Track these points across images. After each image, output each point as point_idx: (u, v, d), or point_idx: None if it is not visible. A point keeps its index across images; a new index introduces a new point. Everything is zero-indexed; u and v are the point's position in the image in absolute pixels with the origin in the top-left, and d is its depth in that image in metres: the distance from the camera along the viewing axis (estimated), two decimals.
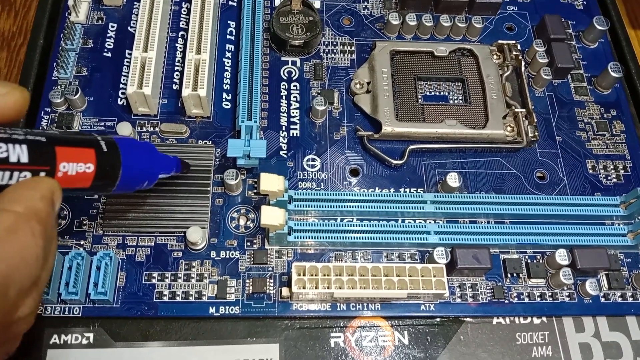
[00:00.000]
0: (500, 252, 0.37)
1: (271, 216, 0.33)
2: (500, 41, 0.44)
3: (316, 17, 0.43)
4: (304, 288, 0.33)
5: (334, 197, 0.37)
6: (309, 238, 0.35)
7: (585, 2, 0.49)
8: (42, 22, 0.42)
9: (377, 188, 0.39)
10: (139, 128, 0.39)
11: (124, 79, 0.41)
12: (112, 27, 0.43)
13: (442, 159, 0.41)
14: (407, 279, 0.33)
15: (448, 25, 0.45)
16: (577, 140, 0.42)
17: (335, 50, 0.44)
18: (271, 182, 0.34)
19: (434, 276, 0.34)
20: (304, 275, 0.33)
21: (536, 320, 0.36)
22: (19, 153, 0.22)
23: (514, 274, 0.37)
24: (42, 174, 0.23)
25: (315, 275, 0.33)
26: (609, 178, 0.41)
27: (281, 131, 0.40)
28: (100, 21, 0.43)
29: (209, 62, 0.39)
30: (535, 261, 0.37)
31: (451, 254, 0.35)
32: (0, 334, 0.22)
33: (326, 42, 0.44)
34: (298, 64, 0.43)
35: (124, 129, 0.37)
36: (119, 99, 0.40)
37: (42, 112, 0.39)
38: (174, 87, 0.41)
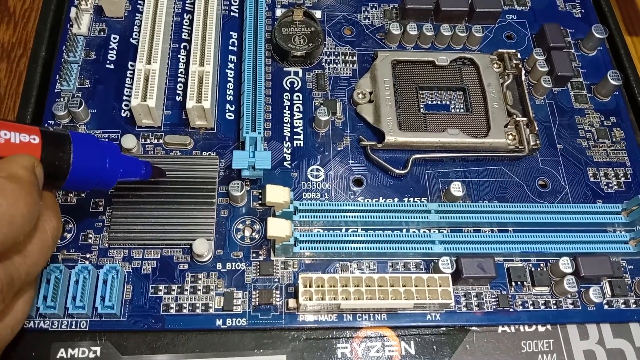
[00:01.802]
0: (504, 261, 0.38)
1: (278, 228, 0.33)
2: (500, 50, 0.45)
3: (318, 27, 0.44)
4: (310, 299, 0.33)
5: (339, 207, 0.37)
6: (315, 249, 0.35)
7: (583, 10, 0.50)
8: (44, 34, 0.42)
9: (381, 198, 0.39)
10: (143, 140, 0.39)
11: (127, 91, 0.41)
12: (115, 38, 0.43)
13: (445, 168, 0.41)
14: (413, 289, 0.33)
15: (448, 34, 0.45)
16: (577, 148, 0.43)
17: (337, 60, 0.44)
18: (277, 194, 0.34)
19: (440, 286, 0.34)
20: (310, 286, 0.33)
21: (541, 328, 0.36)
22: None
23: (519, 283, 0.37)
24: None
25: (322, 287, 0.33)
26: (610, 185, 0.42)
27: (285, 142, 0.41)
28: (102, 33, 0.43)
29: (212, 73, 0.39)
30: (539, 269, 0.38)
31: (456, 263, 0.36)
32: None
33: (328, 52, 0.45)
34: (300, 75, 0.44)
35: (129, 142, 0.38)
36: (123, 110, 0.40)
37: (45, 125, 0.39)
38: (178, 98, 0.41)
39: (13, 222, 0.23)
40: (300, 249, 0.35)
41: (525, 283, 0.37)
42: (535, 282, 0.37)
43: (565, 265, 0.36)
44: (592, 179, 0.42)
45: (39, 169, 0.25)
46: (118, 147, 0.32)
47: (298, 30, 0.43)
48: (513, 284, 0.37)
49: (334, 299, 0.33)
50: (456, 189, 0.38)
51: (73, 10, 0.42)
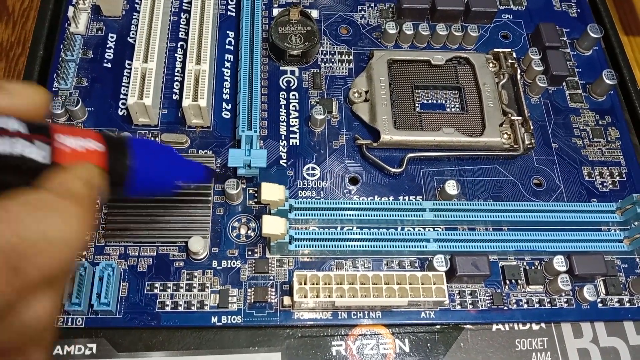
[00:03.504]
0: (498, 259, 0.38)
1: (272, 225, 0.33)
2: (496, 49, 0.45)
3: (314, 27, 0.44)
4: (305, 297, 0.33)
5: (334, 205, 0.37)
6: (310, 247, 0.36)
7: (579, 10, 0.50)
8: (42, 33, 0.43)
9: (376, 196, 0.39)
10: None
11: (124, 90, 0.41)
12: (112, 37, 0.44)
13: (440, 166, 0.41)
14: (407, 287, 0.34)
15: (444, 34, 0.45)
16: (572, 147, 0.43)
17: (333, 60, 0.45)
18: (272, 192, 0.34)
19: (434, 284, 0.34)
20: (305, 284, 0.33)
21: (535, 327, 0.37)
22: (18, 125, 0.21)
23: (513, 281, 0.37)
24: (47, 146, 0.22)
25: (317, 284, 0.34)
26: (605, 184, 0.42)
27: (281, 140, 0.41)
28: (99, 32, 0.44)
29: (208, 72, 0.40)
30: (533, 268, 0.38)
31: (450, 261, 0.36)
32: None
33: (324, 52, 0.45)
34: (297, 74, 0.44)
35: None
36: (119, 109, 0.41)
37: None
38: (174, 97, 0.42)
39: (69, 245, 0.20)
40: (296, 246, 0.35)
41: (519, 281, 0.37)
42: (529, 281, 0.37)
43: (559, 263, 0.37)
44: (587, 178, 0.42)
45: (100, 180, 0.23)
46: (175, 150, 0.31)
47: (294, 29, 0.43)
48: (507, 282, 0.37)
49: (329, 297, 0.33)
50: (451, 187, 0.38)
51: (71, 9, 0.43)
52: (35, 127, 0.22)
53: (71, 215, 0.21)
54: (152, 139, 0.40)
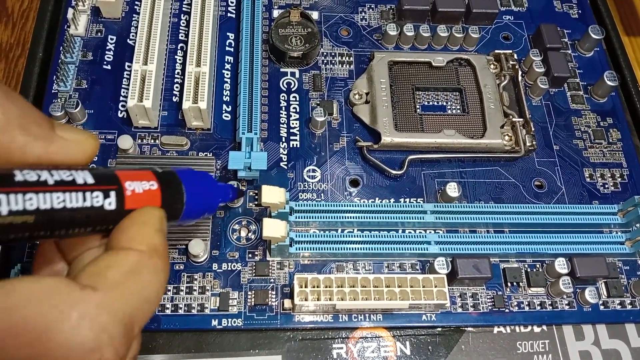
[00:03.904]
0: (500, 262, 0.38)
1: (273, 228, 0.33)
2: (497, 51, 0.45)
3: (314, 28, 0.44)
4: (306, 300, 0.33)
5: (335, 207, 0.37)
6: (311, 249, 0.36)
7: (580, 11, 0.50)
8: (41, 34, 0.43)
9: (377, 198, 0.39)
10: (139, 140, 0.39)
11: (123, 92, 0.41)
12: (112, 39, 0.43)
13: (441, 168, 0.41)
14: (408, 290, 0.34)
15: (445, 35, 0.45)
16: (574, 149, 0.43)
17: (333, 61, 0.44)
18: (272, 195, 0.34)
19: (435, 286, 0.34)
20: (306, 287, 0.33)
21: (536, 329, 0.36)
22: (84, 176, 0.21)
23: (514, 283, 0.37)
24: (113, 193, 0.22)
25: (317, 287, 0.33)
26: (606, 186, 0.42)
27: (281, 142, 0.41)
28: (99, 34, 0.44)
29: (208, 74, 0.39)
30: (534, 270, 0.38)
31: (452, 264, 0.36)
32: None
33: (325, 53, 0.45)
34: (297, 75, 0.44)
35: (125, 142, 0.38)
36: (119, 111, 0.41)
37: None
38: (174, 99, 0.41)
39: (159, 297, 0.22)
40: (296, 249, 0.35)
41: (520, 284, 0.37)
42: (531, 283, 0.37)
43: (560, 266, 0.36)
44: (588, 179, 0.42)
45: (165, 223, 0.24)
46: (211, 176, 0.31)
47: (295, 31, 0.43)
48: (509, 284, 0.37)
49: (330, 300, 0.33)
50: (452, 189, 0.38)
51: (70, 11, 0.42)
52: (102, 175, 0.22)
53: (159, 271, 0.22)
54: (154, 141, 0.39)
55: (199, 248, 0.35)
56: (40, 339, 0.18)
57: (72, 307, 0.18)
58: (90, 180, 0.21)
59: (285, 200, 0.35)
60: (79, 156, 0.23)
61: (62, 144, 0.22)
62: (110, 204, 0.22)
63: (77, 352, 0.18)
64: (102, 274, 0.20)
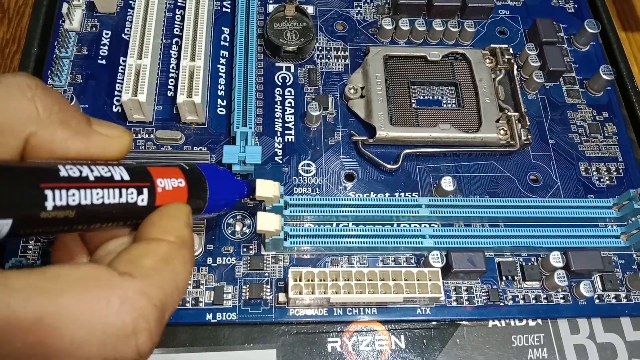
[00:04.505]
0: (495, 255, 0.38)
1: (267, 222, 0.33)
2: (492, 45, 0.45)
3: (310, 22, 0.44)
4: (300, 293, 0.33)
5: (330, 202, 0.37)
6: (305, 243, 0.36)
7: (576, 6, 0.50)
8: (36, 29, 0.42)
9: (372, 192, 0.39)
10: (134, 135, 0.39)
11: (118, 86, 0.41)
12: (107, 34, 0.43)
13: (436, 162, 0.41)
14: (403, 283, 0.33)
15: (441, 29, 0.45)
16: (569, 143, 0.43)
17: (329, 56, 0.44)
18: (267, 188, 0.34)
19: (430, 280, 0.34)
20: (300, 280, 0.33)
21: (531, 323, 0.36)
22: (120, 172, 0.22)
23: (509, 277, 0.37)
24: (145, 190, 0.23)
25: (312, 281, 0.33)
26: (602, 180, 0.42)
27: (276, 137, 0.41)
28: (94, 29, 0.43)
29: (203, 68, 0.39)
30: (529, 264, 0.38)
31: (446, 257, 0.36)
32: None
33: (320, 48, 0.45)
34: (292, 70, 0.44)
35: None
36: (114, 106, 0.40)
37: None
38: (169, 93, 0.41)
39: (187, 287, 0.23)
40: (291, 243, 0.35)
41: (515, 277, 0.37)
42: (525, 277, 0.37)
43: (555, 259, 0.36)
44: (584, 173, 0.42)
45: (191, 216, 0.25)
46: (229, 171, 0.32)
47: (290, 25, 0.43)
48: (504, 278, 0.37)
49: (324, 293, 0.33)
50: (447, 183, 0.38)
51: (65, 6, 0.42)
52: (136, 172, 0.23)
53: (188, 261, 0.23)
54: (148, 135, 0.39)
55: (193, 243, 0.35)
56: (82, 324, 0.18)
57: (113, 292, 0.19)
58: (126, 176, 0.22)
59: (280, 194, 0.35)
60: (115, 151, 0.23)
61: (99, 139, 0.23)
62: (143, 200, 0.23)
63: (116, 336, 0.19)
64: (138, 261, 0.21)
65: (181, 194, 0.25)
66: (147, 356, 0.20)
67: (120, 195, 0.22)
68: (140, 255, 0.21)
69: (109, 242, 0.24)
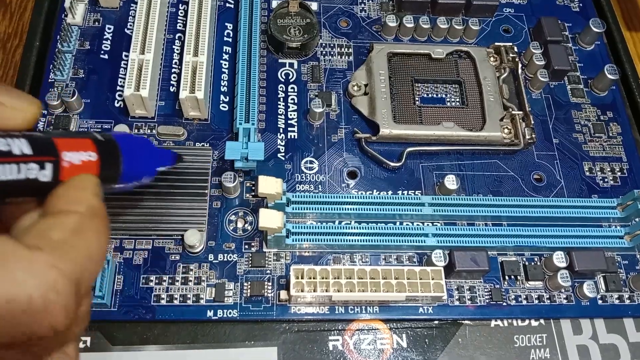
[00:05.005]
0: (498, 255, 0.37)
1: (269, 219, 0.33)
2: (497, 43, 0.44)
3: (313, 19, 0.43)
4: (302, 291, 0.33)
5: (332, 199, 0.37)
6: (307, 241, 0.35)
7: (581, 4, 0.49)
8: (38, 23, 0.42)
9: (375, 190, 0.39)
10: (136, 130, 0.39)
11: (120, 81, 0.41)
12: (109, 29, 0.43)
13: (440, 161, 0.41)
14: (405, 282, 0.33)
15: (445, 27, 0.45)
16: (574, 143, 0.42)
17: (332, 52, 0.44)
18: (269, 185, 0.34)
19: (432, 279, 0.34)
20: (302, 278, 0.33)
21: (534, 323, 0.36)
22: (20, 146, 0.21)
23: (512, 277, 0.37)
24: (49, 165, 0.22)
25: (314, 278, 0.33)
26: (606, 180, 0.41)
27: (279, 133, 0.40)
28: (97, 23, 0.43)
29: (206, 64, 0.39)
30: (533, 263, 0.37)
31: (449, 256, 0.35)
32: (63, 336, 0.21)
33: (323, 44, 0.44)
34: (295, 66, 0.43)
35: (121, 130, 0.37)
36: (116, 101, 0.40)
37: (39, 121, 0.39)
38: (171, 89, 0.41)
39: (103, 258, 0.22)
40: (293, 240, 0.35)
41: (518, 277, 0.37)
42: (529, 276, 0.37)
43: (559, 259, 0.36)
44: (587, 173, 0.41)
45: (100, 188, 0.24)
46: (150, 141, 0.31)
47: (293, 21, 0.43)
48: (506, 277, 0.37)
49: (326, 291, 0.33)
50: (450, 182, 0.38)
51: (67, 0, 0.42)
52: (40, 144, 0.22)
53: (101, 231, 0.22)
54: (150, 130, 0.39)
55: (194, 238, 0.34)
56: None
57: (18, 266, 0.18)
58: (27, 150, 0.21)
59: (282, 191, 0.35)
60: (18, 122, 0.22)
61: (0, 109, 0.22)
62: (46, 175, 0.22)
63: (24, 312, 0.18)
64: (46, 234, 0.20)
65: (91, 168, 0.24)
66: (66, 331, 0.20)
67: (19, 171, 0.20)
68: (48, 227, 0.20)
69: (24, 217, 0.23)
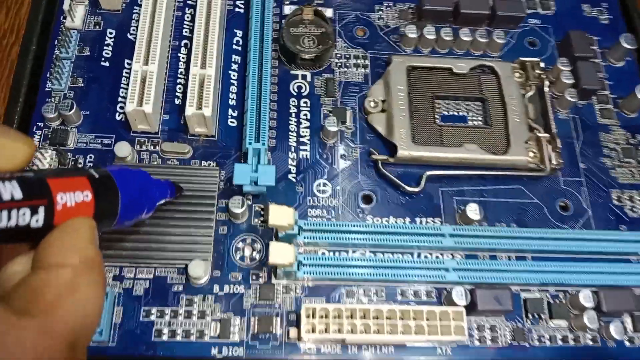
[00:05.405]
0: (521, 290, 0.35)
1: (280, 254, 0.31)
2: (522, 58, 0.42)
3: (329, 28, 0.41)
4: (313, 331, 0.31)
5: (346, 228, 0.34)
6: (319, 273, 0.33)
7: (611, 17, 0.47)
8: (35, 27, 0.39)
9: (391, 217, 0.37)
10: (138, 147, 0.37)
11: (122, 92, 0.38)
12: (111, 33, 0.40)
13: (461, 186, 0.38)
14: (424, 324, 0.31)
15: (468, 40, 0.42)
16: (601, 168, 0.40)
17: (348, 64, 0.41)
18: (281, 216, 0.32)
19: (453, 320, 0.31)
20: (314, 317, 0.31)
21: None
22: (11, 189, 0.19)
23: (535, 314, 0.35)
24: (41, 209, 0.20)
25: (326, 317, 0.31)
26: (635, 210, 0.39)
27: (290, 152, 0.38)
28: (97, 27, 0.40)
29: (214, 77, 0.36)
30: (557, 301, 0.35)
31: (471, 294, 0.33)
32: None
33: (338, 55, 0.42)
34: (309, 78, 0.41)
35: (122, 150, 0.35)
36: (117, 113, 0.38)
37: (35, 128, 0.36)
38: (177, 101, 0.39)
39: (100, 311, 0.21)
40: (304, 273, 0.33)
41: (542, 315, 0.35)
42: (553, 314, 0.35)
43: (586, 298, 0.34)
44: (616, 202, 0.39)
45: (96, 233, 0.22)
46: (146, 172, 0.29)
47: (307, 30, 0.40)
48: (529, 316, 0.35)
49: (339, 332, 0.31)
50: (473, 211, 0.36)
51: (66, 1, 0.39)
52: (32, 187, 0.20)
53: (97, 284, 0.20)
54: (153, 147, 0.37)
55: (199, 270, 0.32)
56: None
57: (8, 336, 0.17)
58: (18, 194, 0.19)
59: (294, 221, 0.32)
60: (7, 164, 0.21)
61: None
62: (38, 220, 0.20)
63: None
64: (37, 295, 0.19)
65: (86, 209, 0.22)
66: None
67: (9, 218, 0.19)
68: (39, 287, 0.19)
69: (11, 263, 0.21)
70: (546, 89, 0.41)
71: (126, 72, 0.39)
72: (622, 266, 0.36)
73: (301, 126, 0.39)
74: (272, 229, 0.35)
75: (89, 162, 0.36)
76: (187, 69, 0.39)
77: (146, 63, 0.36)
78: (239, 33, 0.42)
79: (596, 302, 0.34)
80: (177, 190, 0.32)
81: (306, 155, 0.38)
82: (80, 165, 0.36)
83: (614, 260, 0.36)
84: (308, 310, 0.31)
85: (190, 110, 0.35)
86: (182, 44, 0.41)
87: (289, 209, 0.32)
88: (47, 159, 0.35)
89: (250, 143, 0.35)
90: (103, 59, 0.39)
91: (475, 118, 0.41)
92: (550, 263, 0.35)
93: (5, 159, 0.21)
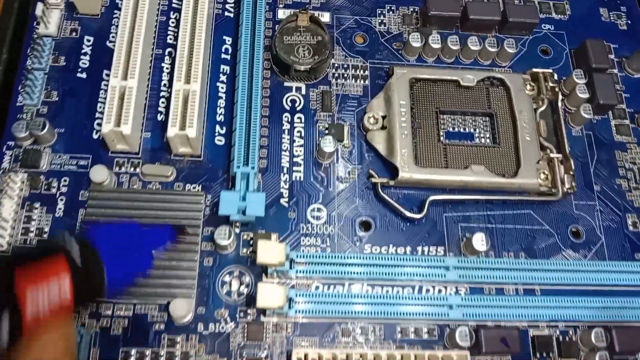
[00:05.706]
0: (529, 327, 0.33)
1: (269, 297, 0.28)
2: (534, 69, 0.39)
3: (325, 36, 0.37)
4: None
5: (342, 260, 0.32)
6: (312, 312, 0.31)
7: (629, 22, 0.43)
8: (5, 34, 0.36)
9: (391, 245, 0.34)
10: (117, 168, 0.34)
11: (100, 106, 0.35)
12: (88, 40, 0.37)
13: (467, 211, 0.35)
14: None
15: (476, 49, 0.39)
16: (616, 190, 0.37)
17: (346, 75, 0.38)
18: (270, 253, 0.29)
19: None
20: None
21: None
22: None
23: (544, 354, 0.32)
24: (5, 323, 0.19)
25: None
26: None
27: (282, 174, 0.35)
28: (74, 33, 0.37)
29: (199, 93, 0.33)
30: (567, 338, 0.33)
31: (475, 334, 0.31)
32: None
33: (336, 65, 0.39)
34: (303, 91, 0.38)
35: (99, 174, 0.32)
36: (95, 131, 0.35)
37: (5, 148, 0.34)
38: (160, 117, 0.36)
39: None
40: (296, 312, 0.30)
41: (551, 354, 0.32)
42: (562, 353, 0.32)
43: (598, 337, 0.32)
44: (631, 227, 0.36)
45: (73, 329, 0.22)
46: (139, 225, 0.27)
47: (302, 39, 0.37)
48: (537, 355, 0.32)
49: None
50: (479, 242, 0.33)
51: (39, 6, 0.36)
52: None
53: None
54: (134, 169, 0.34)
55: (182, 310, 0.30)
56: None
57: None
58: None
59: (285, 257, 0.30)
60: None
61: None
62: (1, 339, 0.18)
63: None
64: None
65: (64, 303, 0.21)
66: None
67: None
68: None
69: None
70: (559, 103, 0.38)
71: (105, 85, 0.36)
72: (635, 301, 0.33)
73: (294, 144, 0.36)
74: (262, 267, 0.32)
75: (63, 185, 0.33)
76: (170, 81, 0.36)
77: (125, 77, 0.33)
78: (228, 40, 0.38)
79: (609, 341, 0.32)
80: (180, 232, 0.29)
81: (299, 177, 0.35)
82: (54, 191, 0.33)
83: (626, 293, 0.34)
84: (299, 355, 0.29)
85: (172, 131, 0.32)
86: (166, 53, 0.38)
87: (280, 245, 0.29)
88: (17, 183, 0.32)
89: (238, 167, 0.33)
90: (80, 69, 0.36)
91: (482, 135, 0.38)
92: (559, 298, 0.32)
93: None
